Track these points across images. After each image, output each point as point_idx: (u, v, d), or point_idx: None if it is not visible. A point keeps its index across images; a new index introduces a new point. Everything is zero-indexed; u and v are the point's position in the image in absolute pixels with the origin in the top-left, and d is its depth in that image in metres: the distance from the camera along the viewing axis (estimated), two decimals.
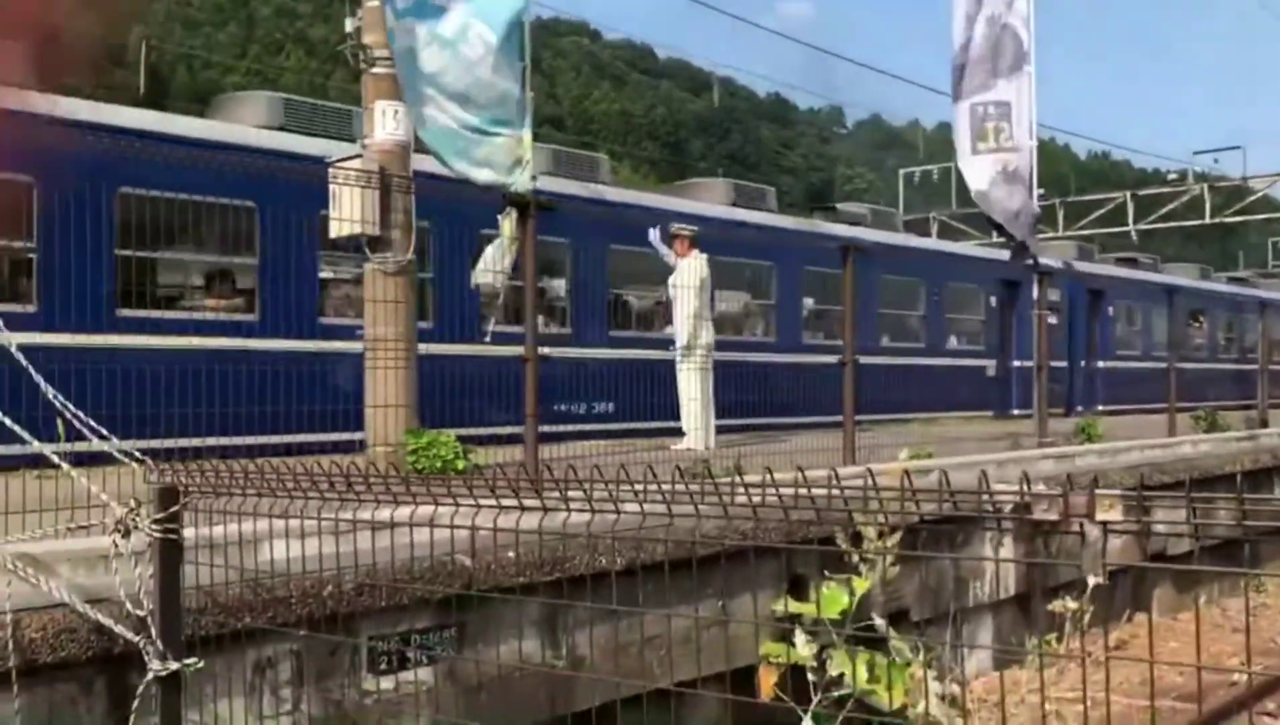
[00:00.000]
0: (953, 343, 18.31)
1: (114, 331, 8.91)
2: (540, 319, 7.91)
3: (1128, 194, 30.00)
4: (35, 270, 9.03)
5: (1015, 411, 17.24)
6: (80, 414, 4.93)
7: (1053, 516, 2.15)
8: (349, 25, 8.43)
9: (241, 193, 9.73)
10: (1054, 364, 13.34)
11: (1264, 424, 13.83)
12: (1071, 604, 6.74)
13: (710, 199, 15.52)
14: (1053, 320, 18.37)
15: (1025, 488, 2.27)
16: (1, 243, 9.00)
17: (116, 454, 4.55)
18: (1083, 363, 19.99)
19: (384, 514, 3.56)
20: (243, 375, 8.68)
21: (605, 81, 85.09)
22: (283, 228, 9.64)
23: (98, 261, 9.14)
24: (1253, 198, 29.72)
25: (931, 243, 22.42)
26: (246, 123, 10.82)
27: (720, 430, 10.87)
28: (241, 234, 10.09)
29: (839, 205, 17.30)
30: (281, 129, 10.81)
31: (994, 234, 10.71)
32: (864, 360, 9.51)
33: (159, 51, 55.94)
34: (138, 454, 3.91)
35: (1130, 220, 29.34)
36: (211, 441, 8.15)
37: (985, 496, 2.32)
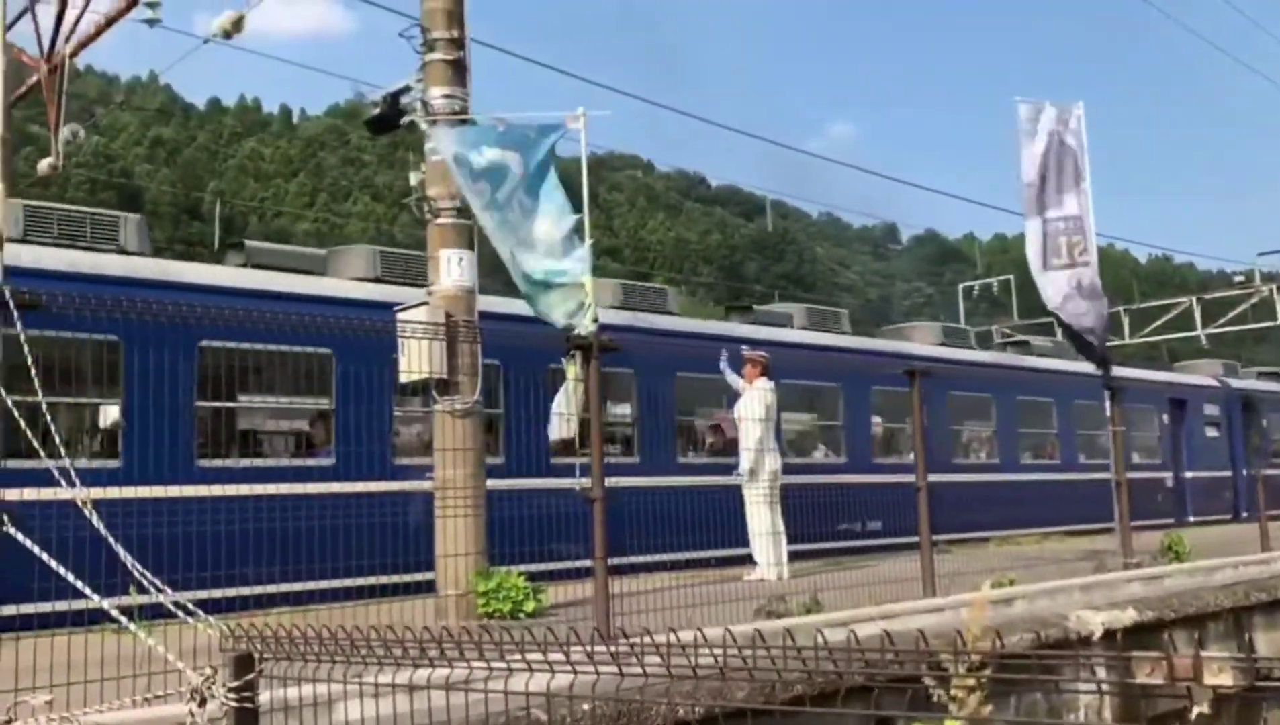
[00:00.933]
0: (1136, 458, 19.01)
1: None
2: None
3: (1193, 298, 29.56)
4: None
5: (1190, 518, 18.86)
6: (147, 574, 5.00)
7: (1157, 680, 2.04)
8: (413, 179, 8.73)
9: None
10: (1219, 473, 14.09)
11: None
12: None
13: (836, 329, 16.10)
14: (1214, 433, 19.18)
15: (1126, 654, 2.16)
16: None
17: (188, 617, 4.57)
18: (1244, 471, 20.35)
19: (457, 674, 3.51)
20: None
21: (660, 211, 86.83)
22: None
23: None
24: None
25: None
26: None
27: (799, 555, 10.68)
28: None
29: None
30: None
31: (1073, 347, 10.55)
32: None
33: (232, 204, 58.30)
34: (211, 620, 3.92)
35: (1199, 324, 28.84)
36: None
37: (1081, 659, 2.22)
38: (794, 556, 10.70)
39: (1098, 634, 7.74)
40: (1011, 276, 27.70)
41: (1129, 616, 8.10)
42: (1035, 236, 10.50)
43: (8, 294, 5.09)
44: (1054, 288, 10.41)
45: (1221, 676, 2.08)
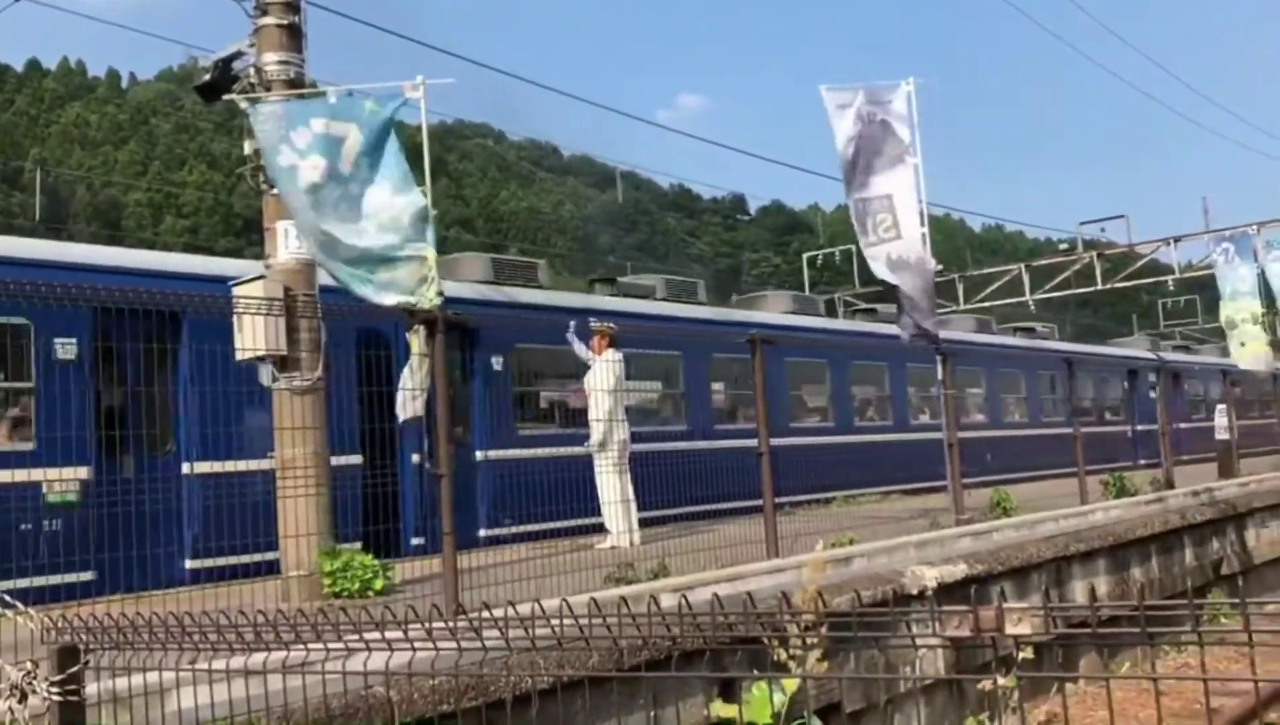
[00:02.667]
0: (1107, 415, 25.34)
1: None
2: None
3: (1022, 266, 31.01)
4: None
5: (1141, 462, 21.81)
6: None
7: (965, 632, 2.16)
8: (248, 148, 8.42)
9: None
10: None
11: (1170, 485, 14.22)
12: (1005, 680, 6.78)
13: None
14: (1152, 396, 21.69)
15: (939, 610, 2.28)
16: None
17: (4, 610, 4.35)
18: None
19: (295, 657, 3.45)
20: None
21: (512, 181, 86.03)
22: None
23: None
24: (1141, 263, 30.95)
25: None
26: (467, 279, 12.88)
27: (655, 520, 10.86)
28: None
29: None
30: (494, 282, 12.95)
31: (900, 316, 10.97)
32: None
33: (56, 174, 55.07)
34: (30, 612, 3.74)
35: (1027, 291, 30.30)
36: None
37: (897, 615, 2.33)
38: (645, 523, 10.87)
39: (931, 588, 8.11)
40: (853, 247, 28.48)
41: (960, 570, 8.52)
42: (853, 213, 10.93)
43: None
44: (876, 261, 10.85)
45: (1021, 626, 2.23)
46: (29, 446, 8.87)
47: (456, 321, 6.76)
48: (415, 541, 11.25)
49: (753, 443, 9.02)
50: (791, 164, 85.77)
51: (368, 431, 10.00)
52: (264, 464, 8.82)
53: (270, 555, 7.99)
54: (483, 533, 11.80)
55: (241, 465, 9.49)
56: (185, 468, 9.71)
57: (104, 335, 8.86)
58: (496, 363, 12.58)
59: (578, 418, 11.67)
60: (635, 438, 11.09)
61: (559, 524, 10.52)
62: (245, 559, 8.16)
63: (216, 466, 9.54)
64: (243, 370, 8.29)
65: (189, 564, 9.51)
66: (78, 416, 8.80)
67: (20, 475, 8.49)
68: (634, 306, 14.83)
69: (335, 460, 8.56)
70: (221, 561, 8.72)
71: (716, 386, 15.82)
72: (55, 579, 7.47)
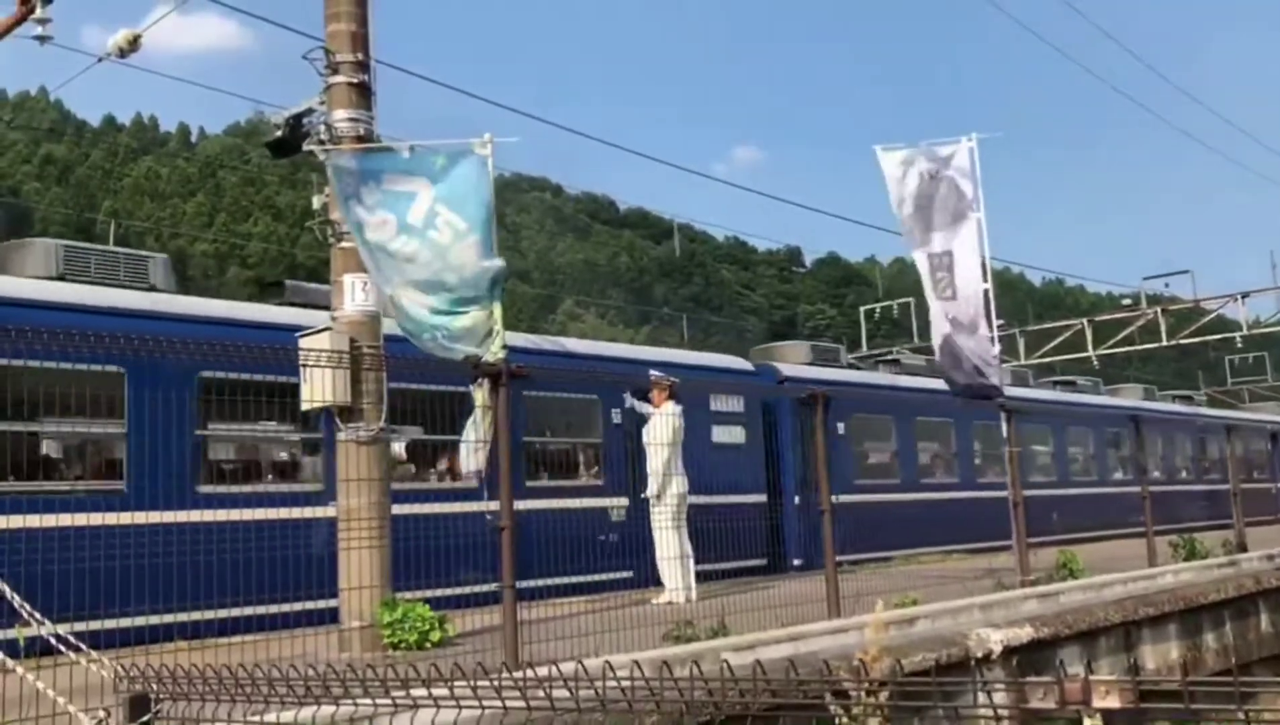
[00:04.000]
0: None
1: None
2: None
3: (1085, 321, 30.59)
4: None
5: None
6: (25, 606, 4.80)
7: (1050, 704, 2.11)
8: (316, 202, 8.60)
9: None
10: None
11: (1242, 548, 13.81)
12: None
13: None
14: None
15: (1020, 680, 2.23)
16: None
17: (80, 659, 4.40)
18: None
19: (360, 711, 3.45)
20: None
21: (569, 233, 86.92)
22: None
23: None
24: (1207, 319, 30.41)
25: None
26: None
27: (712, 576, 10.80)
28: None
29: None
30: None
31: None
32: None
33: (127, 224, 56.68)
34: (103, 659, 3.79)
35: (1090, 346, 29.86)
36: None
37: (978, 685, 2.27)
38: (702, 577, 10.78)
39: (997, 652, 7.92)
40: (911, 300, 28.31)
41: (1026, 634, 8.32)
42: (924, 267, 10.90)
43: None
44: (938, 319, 10.80)
45: (1109, 699, 2.16)
46: (600, 483, 13.03)
47: (519, 374, 6.80)
48: (795, 562, 14.62)
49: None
50: (847, 217, 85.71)
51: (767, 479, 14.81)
52: None
53: None
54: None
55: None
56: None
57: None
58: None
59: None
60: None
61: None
62: None
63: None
64: None
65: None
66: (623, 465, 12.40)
67: (599, 502, 12.72)
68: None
69: (747, 498, 13.90)
70: None
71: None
72: (605, 576, 10.87)
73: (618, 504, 12.69)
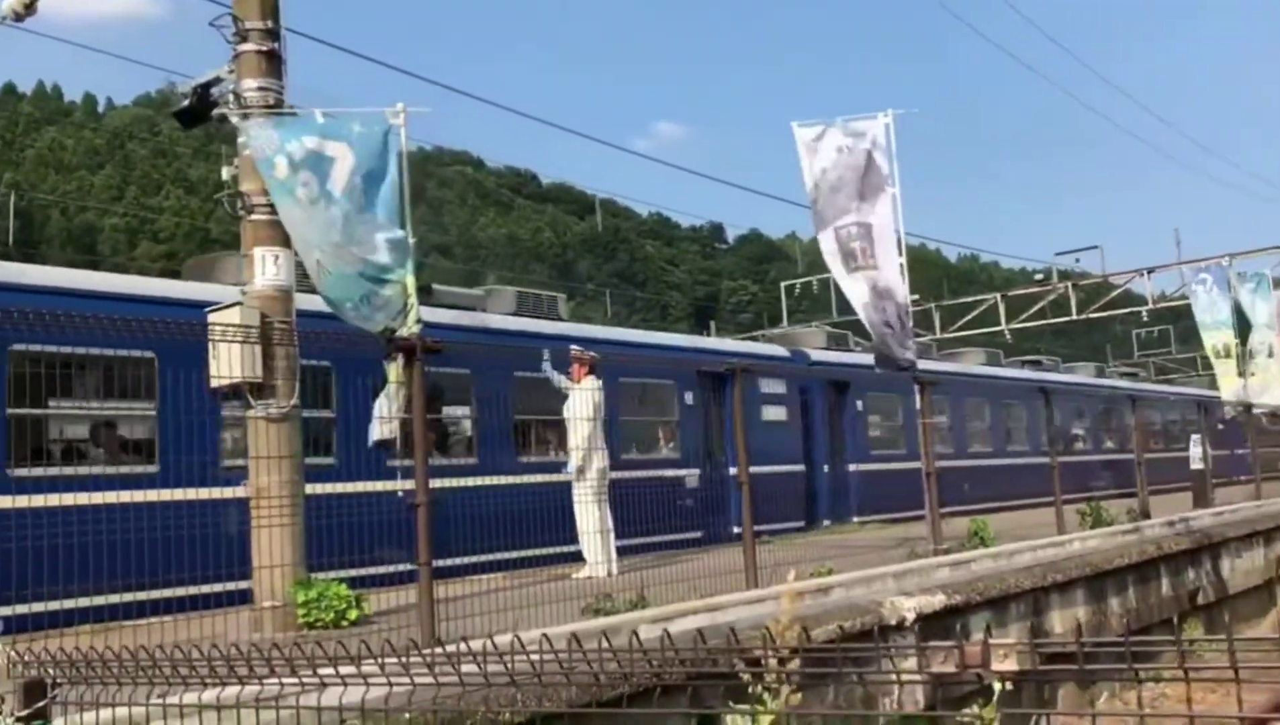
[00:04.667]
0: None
1: None
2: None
3: (998, 295, 31.24)
4: None
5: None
6: None
7: (950, 668, 2.14)
8: (225, 173, 8.39)
9: None
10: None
11: (1146, 515, 14.28)
12: (988, 713, 6.75)
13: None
14: None
15: (922, 645, 2.26)
16: None
17: None
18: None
19: (268, 691, 3.38)
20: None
21: (491, 208, 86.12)
22: None
23: None
24: (1115, 293, 31.26)
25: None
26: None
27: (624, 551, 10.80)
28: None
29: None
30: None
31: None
32: None
33: (30, 197, 54.74)
34: None
35: (1003, 320, 30.53)
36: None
37: (881, 650, 2.30)
38: (623, 551, 10.82)
39: (910, 619, 8.09)
40: (831, 275, 28.65)
41: (938, 601, 8.50)
42: (830, 245, 10.97)
43: None
44: (857, 290, 10.89)
45: (1007, 662, 2.21)
46: (677, 456, 15.08)
47: (433, 348, 6.71)
48: (825, 522, 17.05)
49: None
50: (769, 193, 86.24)
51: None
52: None
53: None
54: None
55: None
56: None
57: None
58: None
59: None
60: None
61: None
62: None
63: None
64: None
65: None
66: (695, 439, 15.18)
67: (675, 473, 14.65)
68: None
69: (790, 468, 16.26)
70: None
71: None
72: (681, 535, 12.89)
73: (691, 473, 14.86)
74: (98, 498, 7.42)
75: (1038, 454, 22.09)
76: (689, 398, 15.21)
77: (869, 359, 19.00)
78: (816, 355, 19.00)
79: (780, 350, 19.08)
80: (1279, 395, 20.30)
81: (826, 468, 17.75)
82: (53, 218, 62.33)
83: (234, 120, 7.62)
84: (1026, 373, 26.10)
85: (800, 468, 17.00)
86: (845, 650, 2.60)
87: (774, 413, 16.33)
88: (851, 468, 18.22)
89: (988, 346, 29.06)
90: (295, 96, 8.48)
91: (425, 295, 15.72)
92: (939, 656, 2.33)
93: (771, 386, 16.24)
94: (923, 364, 18.70)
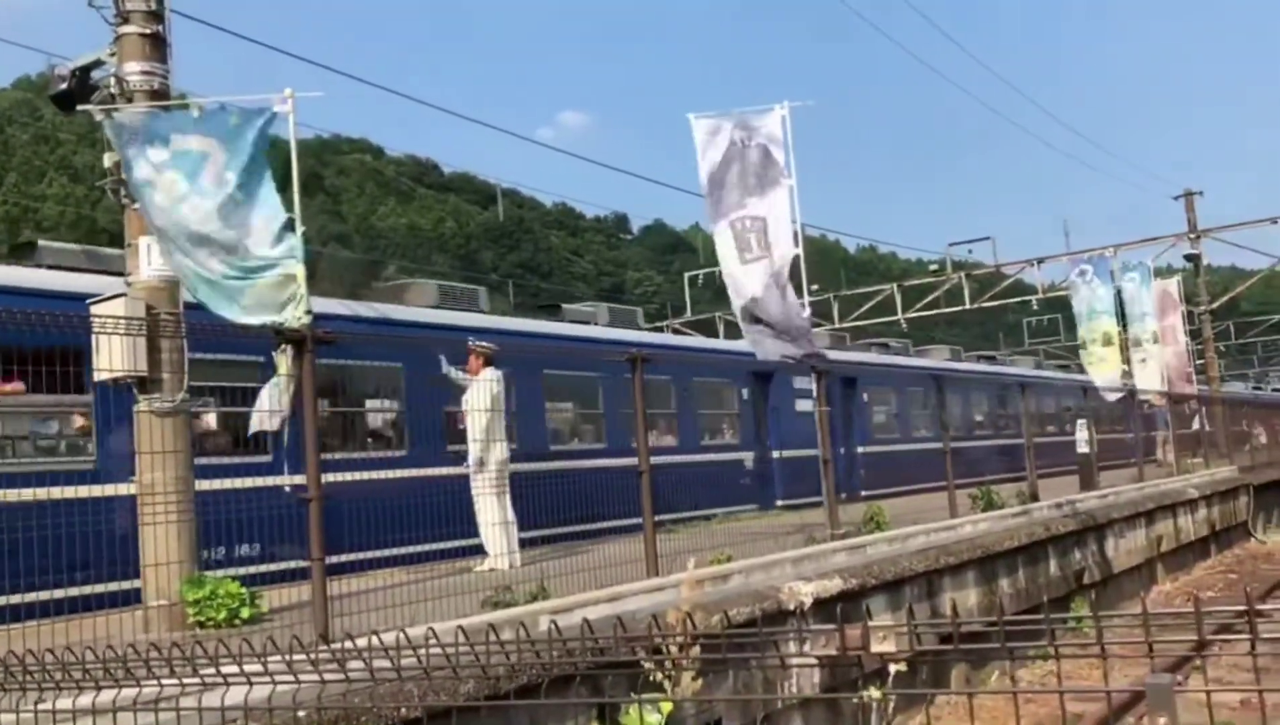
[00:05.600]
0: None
1: None
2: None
3: (895, 286, 31.91)
4: None
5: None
6: None
7: (832, 651, 2.17)
8: (107, 161, 8.10)
9: None
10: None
11: (1034, 498, 14.74)
12: (875, 693, 6.89)
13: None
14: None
15: (804, 626, 2.29)
16: None
17: None
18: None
19: (148, 693, 3.28)
20: None
21: (391, 197, 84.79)
22: None
23: None
24: (1006, 283, 32.16)
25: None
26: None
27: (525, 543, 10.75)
28: None
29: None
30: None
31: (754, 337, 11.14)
32: None
33: None
34: None
35: (899, 310, 31.20)
36: None
37: (764, 636, 2.33)
38: (526, 543, 10.77)
39: (808, 604, 8.21)
40: None
41: (836, 585, 8.65)
42: (725, 237, 11.09)
43: None
44: (752, 281, 10.99)
45: (886, 644, 2.25)
46: (736, 441, 18.27)
47: (325, 339, 6.58)
48: (842, 494, 16.19)
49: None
50: (672, 185, 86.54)
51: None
52: None
53: None
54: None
55: None
56: None
57: None
58: None
59: None
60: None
61: None
62: None
63: None
64: None
65: None
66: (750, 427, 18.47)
67: (737, 455, 17.98)
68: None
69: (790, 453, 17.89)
70: None
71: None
72: (740, 507, 16.35)
73: (749, 456, 17.98)
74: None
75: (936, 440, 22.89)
76: (745, 393, 18.21)
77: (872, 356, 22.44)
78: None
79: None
80: (1158, 381, 21.14)
81: (842, 450, 18.61)
82: None
83: (98, 117, 7.36)
84: (923, 361, 26.72)
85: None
86: (733, 637, 2.62)
87: (805, 405, 18.54)
88: (859, 450, 20.57)
89: (883, 336, 29.65)
90: (184, 81, 8.24)
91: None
92: (822, 640, 2.37)
93: (804, 383, 18.29)
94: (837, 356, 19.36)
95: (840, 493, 17.88)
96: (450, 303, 14.44)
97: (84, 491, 8.18)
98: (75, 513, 7.19)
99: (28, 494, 7.38)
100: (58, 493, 7.82)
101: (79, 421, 9.66)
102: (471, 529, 10.40)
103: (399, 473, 11.93)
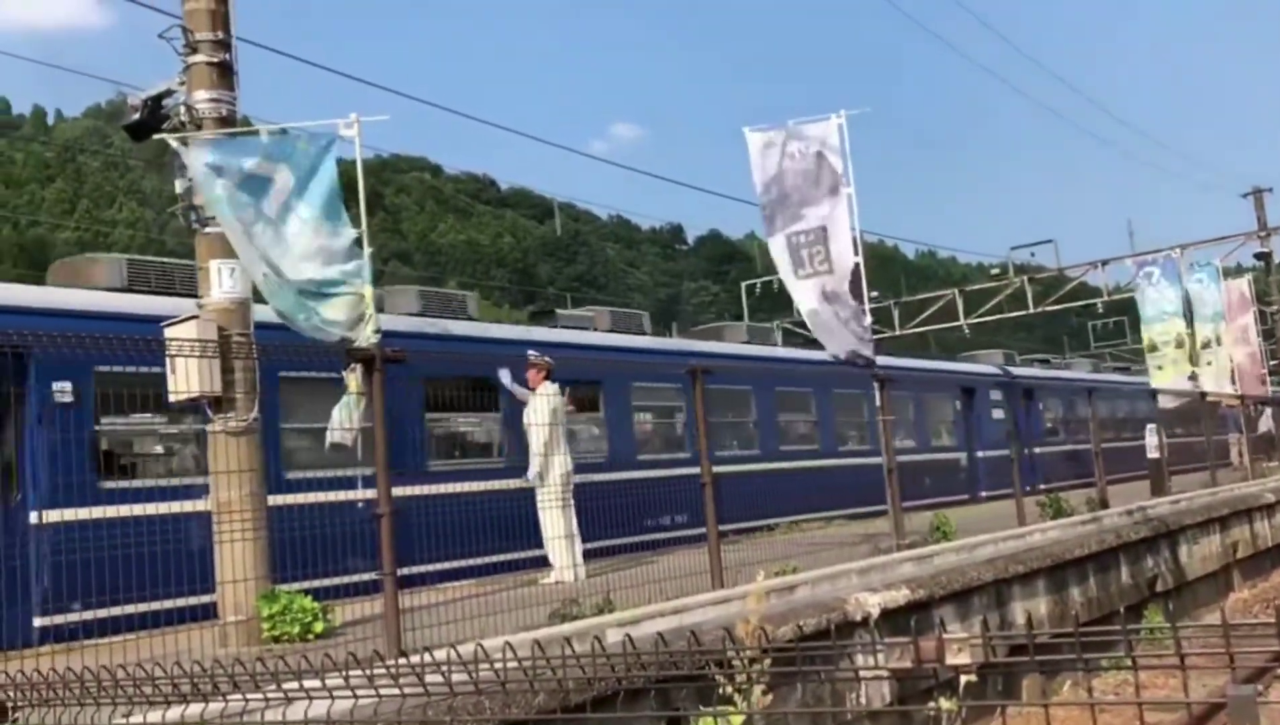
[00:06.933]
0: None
1: None
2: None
3: (956, 291, 31.54)
4: None
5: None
6: None
7: (907, 664, 2.18)
8: (179, 187, 8.31)
9: None
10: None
11: (1104, 505, 14.48)
12: (945, 704, 6.84)
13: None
14: None
15: (876, 638, 2.30)
16: None
17: None
18: None
19: (233, 707, 3.37)
20: None
21: (450, 214, 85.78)
22: None
23: None
24: (1070, 286, 31.66)
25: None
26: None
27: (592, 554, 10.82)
28: None
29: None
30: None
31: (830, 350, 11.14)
32: None
33: None
34: None
35: (961, 315, 30.83)
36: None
37: (838, 648, 2.34)
38: (591, 554, 10.82)
39: (875, 615, 8.15)
40: None
41: (903, 596, 8.57)
42: (780, 250, 11.09)
43: None
44: (806, 295, 11.00)
45: (961, 656, 2.25)
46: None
47: (394, 358, 6.70)
48: (983, 494, 20.07)
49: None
50: (728, 194, 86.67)
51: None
52: None
53: None
54: None
55: None
56: None
57: None
58: None
59: None
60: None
61: None
62: None
63: None
64: None
65: None
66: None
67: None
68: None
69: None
70: None
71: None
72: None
73: (962, 456, 20.80)
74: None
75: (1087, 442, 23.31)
76: (958, 405, 21.04)
77: (989, 368, 23.83)
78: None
79: (991, 368, 24.49)
80: (1227, 383, 20.65)
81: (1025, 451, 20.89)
82: (3, 232, 61.38)
83: (174, 146, 7.59)
84: (1075, 374, 27.31)
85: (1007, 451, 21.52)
86: (805, 649, 2.64)
87: (998, 414, 22.06)
88: (1036, 451, 21.98)
89: (945, 341, 29.34)
90: (249, 106, 8.45)
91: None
92: (896, 652, 2.38)
93: (994, 396, 22.05)
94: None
95: (1025, 487, 19.09)
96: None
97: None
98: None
99: None
100: None
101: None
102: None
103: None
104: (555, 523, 10.39)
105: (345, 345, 7.02)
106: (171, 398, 7.77)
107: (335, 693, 2.92)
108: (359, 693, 2.88)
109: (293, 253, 7.12)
